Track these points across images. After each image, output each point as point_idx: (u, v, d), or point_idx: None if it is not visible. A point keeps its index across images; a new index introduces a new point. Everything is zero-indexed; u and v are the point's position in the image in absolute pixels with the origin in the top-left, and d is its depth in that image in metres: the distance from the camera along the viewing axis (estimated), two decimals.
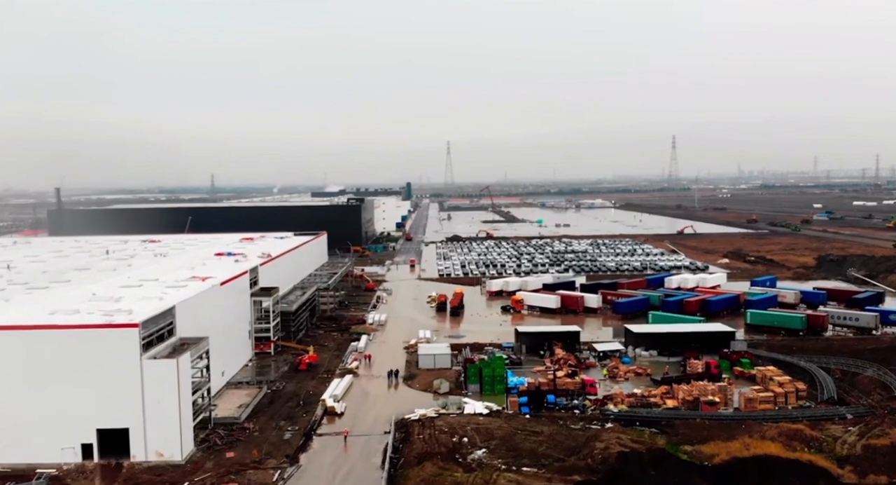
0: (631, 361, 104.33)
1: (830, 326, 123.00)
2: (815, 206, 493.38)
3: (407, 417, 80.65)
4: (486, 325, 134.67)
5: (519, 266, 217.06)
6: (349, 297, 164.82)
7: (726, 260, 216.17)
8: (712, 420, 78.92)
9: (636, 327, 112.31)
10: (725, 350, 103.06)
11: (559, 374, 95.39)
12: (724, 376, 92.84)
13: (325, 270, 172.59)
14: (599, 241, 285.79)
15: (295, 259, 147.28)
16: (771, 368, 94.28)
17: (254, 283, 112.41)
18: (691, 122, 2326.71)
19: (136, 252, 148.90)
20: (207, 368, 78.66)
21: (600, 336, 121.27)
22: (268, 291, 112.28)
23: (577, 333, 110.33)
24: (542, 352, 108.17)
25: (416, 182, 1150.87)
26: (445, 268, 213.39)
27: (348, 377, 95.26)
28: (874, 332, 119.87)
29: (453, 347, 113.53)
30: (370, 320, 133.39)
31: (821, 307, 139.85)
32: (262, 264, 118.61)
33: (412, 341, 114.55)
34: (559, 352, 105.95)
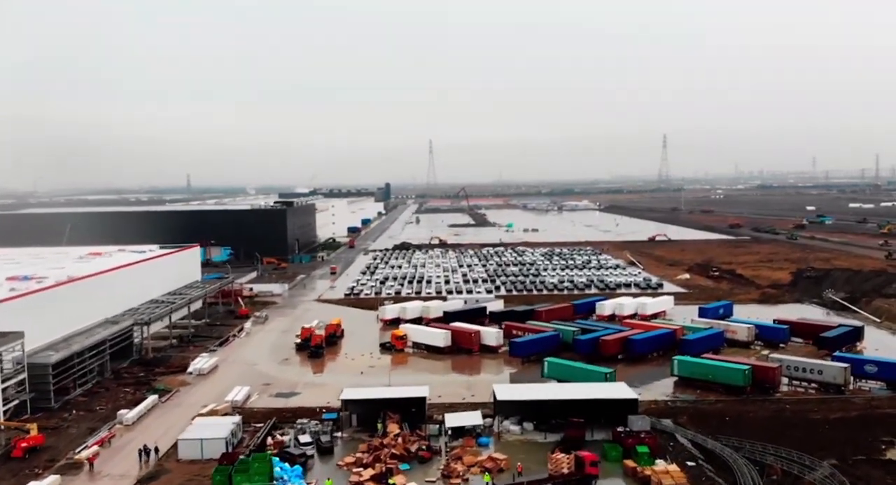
0: (490, 443, 73.63)
1: (786, 380, 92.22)
2: (809, 208, 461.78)
3: None
4: (347, 372, 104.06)
5: (447, 282, 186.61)
6: (208, 327, 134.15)
7: (687, 276, 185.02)
8: None
9: (505, 390, 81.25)
10: (620, 429, 72.13)
11: (363, 476, 64.81)
12: None
13: (191, 290, 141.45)
14: (557, 249, 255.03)
15: (113, 283, 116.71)
16: (673, 469, 63.43)
17: None
18: (691, 124, 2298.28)
19: None
20: None
21: (477, 394, 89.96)
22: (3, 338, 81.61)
23: (422, 401, 79.27)
24: (378, 425, 77.57)
25: (410, 183, 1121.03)
26: (361, 285, 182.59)
27: (51, 480, 64.38)
28: (843, 389, 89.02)
29: (267, 414, 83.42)
30: (191, 368, 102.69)
31: (780, 347, 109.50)
32: (3, 300, 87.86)
33: (205, 409, 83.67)
34: (393, 429, 75.29)
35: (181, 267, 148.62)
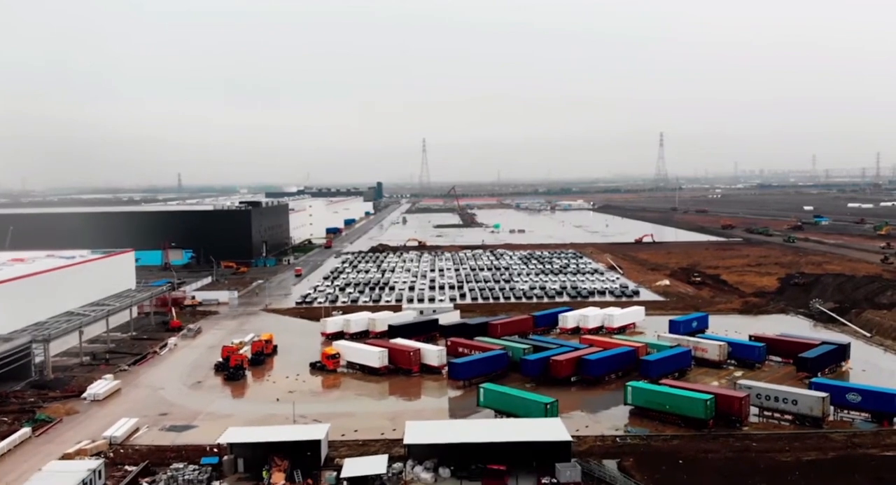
0: None
1: (756, 410, 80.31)
2: (806, 208, 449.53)
3: None
4: (262, 399, 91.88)
5: (412, 289, 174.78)
6: (133, 342, 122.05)
7: (667, 282, 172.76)
8: None
9: (417, 429, 69.06)
10: (546, 481, 60.24)
11: None
12: None
13: (117, 300, 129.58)
14: (538, 252, 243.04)
15: (17, 294, 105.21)
16: None
17: None
18: (691, 123, 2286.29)
19: None
20: None
21: (402, 428, 77.81)
22: None
23: (316, 444, 67.22)
24: (264, 473, 65.63)
25: (407, 182, 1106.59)
26: (319, 291, 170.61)
27: None
28: (821, 422, 77.06)
29: (147, 454, 71.60)
30: (87, 393, 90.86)
31: (755, 367, 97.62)
32: None
33: (75, 447, 71.72)
34: (278, 478, 63.44)
35: (111, 274, 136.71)
